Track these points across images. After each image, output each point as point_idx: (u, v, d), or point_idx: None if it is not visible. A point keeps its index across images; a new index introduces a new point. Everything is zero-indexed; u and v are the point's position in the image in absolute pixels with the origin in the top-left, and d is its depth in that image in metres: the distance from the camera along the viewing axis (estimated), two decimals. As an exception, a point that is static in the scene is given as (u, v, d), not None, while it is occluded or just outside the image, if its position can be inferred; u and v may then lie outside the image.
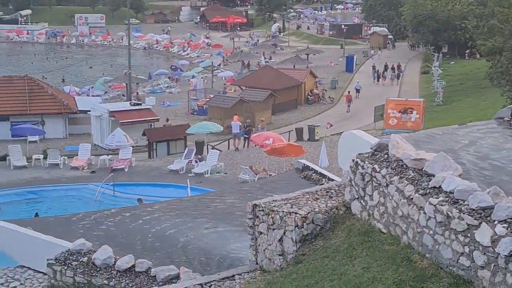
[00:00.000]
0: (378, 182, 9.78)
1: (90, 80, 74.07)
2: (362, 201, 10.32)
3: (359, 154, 10.52)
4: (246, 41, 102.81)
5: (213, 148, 37.10)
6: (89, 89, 63.51)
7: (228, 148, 39.56)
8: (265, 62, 78.85)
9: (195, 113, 53.08)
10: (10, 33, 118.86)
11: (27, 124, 41.43)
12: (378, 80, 67.37)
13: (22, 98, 45.33)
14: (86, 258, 13.96)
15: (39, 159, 33.58)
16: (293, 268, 10.26)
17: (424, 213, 8.60)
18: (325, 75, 67.50)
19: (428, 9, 77.71)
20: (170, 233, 16.54)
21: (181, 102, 58.22)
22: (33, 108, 45.01)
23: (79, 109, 46.22)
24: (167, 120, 45.34)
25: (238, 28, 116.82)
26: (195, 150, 34.70)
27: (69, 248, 14.39)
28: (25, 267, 15.61)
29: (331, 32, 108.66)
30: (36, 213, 24.46)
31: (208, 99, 52.22)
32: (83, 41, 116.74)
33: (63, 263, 13.95)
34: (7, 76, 51.86)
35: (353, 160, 10.49)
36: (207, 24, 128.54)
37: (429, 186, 8.84)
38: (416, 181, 9.12)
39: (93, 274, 13.41)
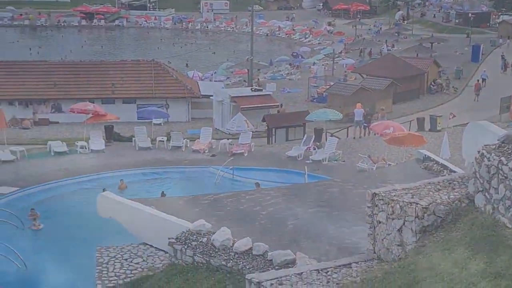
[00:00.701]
0: (505, 175, 9.44)
1: (213, 66, 75.46)
2: (486, 194, 10.00)
3: (485, 145, 10.19)
4: (369, 29, 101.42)
5: (331, 135, 36.95)
6: (212, 74, 64.75)
7: (347, 136, 39.28)
8: (387, 50, 77.57)
9: (314, 100, 53.00)
10: (139, 18, 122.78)
11: (152, 107, 42.68)
12: (505, 70, 64.79)
13: (148, 82, 46.81)
14: (205, 238, 14.27)
15: (163, 141, 34.52)
16: (412, 259, 10.09)
17: (554, 209, 8.24)
18: (449, 65, 65.56)
19: None
20: (286, 217, 16.65)
21: (301, 89, 58.25)
22: (158, 92, 46.40)
23: (202, 93, 47.26)
24: (281, 105, 45.52)
25: (358, 16, 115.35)
26: (313, 137, 34.68)
27: (189, 228, 14.77)
28: (148, 244, 16.16)
29: (457, 21, 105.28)
30: (163, 192, 25.19)
31: (328, 86, 52.01)
32: (207, 27, 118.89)
33: (183, 243, 14.33)
34: (135, 60, 53.67)
35: (478, 152, 10.18)
36: (330, 11, 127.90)
37: (561, 181, 8.45)
38: (546, 176, 8.74)
39: (212, 255, 13.69)
